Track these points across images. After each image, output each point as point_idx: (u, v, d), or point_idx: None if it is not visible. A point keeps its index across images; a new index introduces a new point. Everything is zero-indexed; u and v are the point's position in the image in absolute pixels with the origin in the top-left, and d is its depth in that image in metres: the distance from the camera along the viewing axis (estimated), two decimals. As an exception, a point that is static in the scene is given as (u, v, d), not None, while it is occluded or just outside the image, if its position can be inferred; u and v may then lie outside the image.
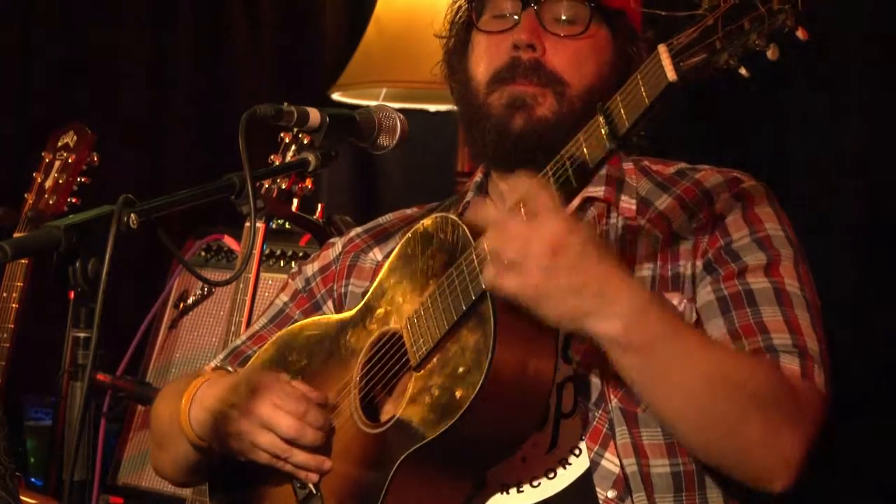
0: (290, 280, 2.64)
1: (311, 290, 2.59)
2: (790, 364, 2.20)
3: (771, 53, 1.86)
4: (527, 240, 1.99)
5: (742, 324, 2.23)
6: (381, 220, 2.62)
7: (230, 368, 2.43)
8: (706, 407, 2.10)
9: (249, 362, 2.52)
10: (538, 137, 2.34)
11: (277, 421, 2.26)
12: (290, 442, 2.27)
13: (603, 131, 2.01)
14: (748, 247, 2.28)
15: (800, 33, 1.85)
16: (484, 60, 2.41)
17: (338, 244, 2.62)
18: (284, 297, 2.62)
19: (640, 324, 2.03)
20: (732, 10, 1.88)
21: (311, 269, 2.61)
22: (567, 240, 1.98)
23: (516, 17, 2.38)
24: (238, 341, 2.62)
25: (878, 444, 3.75)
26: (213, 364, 2.61)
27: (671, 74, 1.93)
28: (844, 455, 3.64)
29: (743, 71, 1.89)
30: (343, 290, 2.55)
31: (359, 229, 2.62)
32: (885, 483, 3.77)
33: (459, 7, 2.50)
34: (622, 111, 1.99)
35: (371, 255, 2.56)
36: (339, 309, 2.55)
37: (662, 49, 1.94)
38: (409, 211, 2.63)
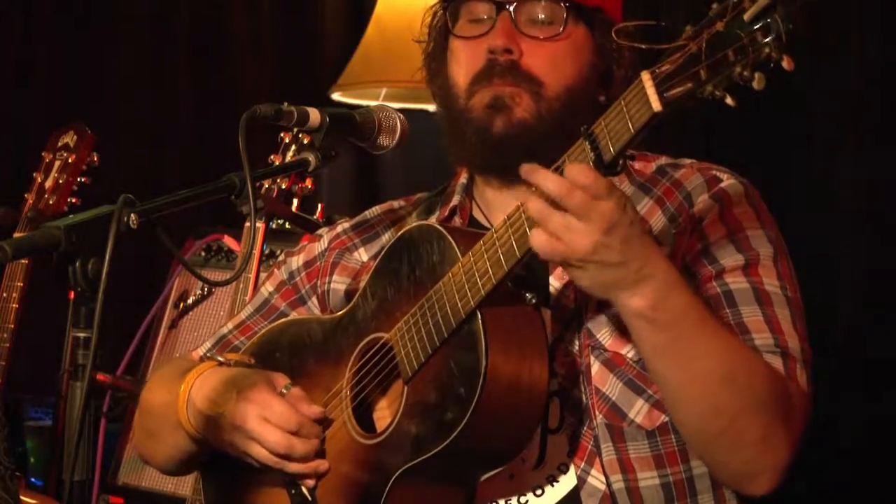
0: (275, 270, 2.63)
1: (296, 283, 2.58)
2: (773, 365, 2.20)
3: (756, 83, 1.82)
4: (585, 213, 1.97)
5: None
6: (367, 214, 2.61)
7: (220, 359, 2.42)
8: (712, 397, 2.10)
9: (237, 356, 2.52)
10: (518, 139, 2.32)
11: (265, 436, 2.27)
12: (282, 455, 2.28)
13: (589, 158, 1.99)
14: (725, 248, 2.27)
15: (785, 63, 1.81)
16: (462, 66, 2.39)
17: (324, 238, 2.60)
18: (270, 287, 2.61)
19: (667, 301, 2.04)
20: (715, 39, 1.84)
21: (296, 262, 2.60)
22: (620, 218, 1.98)
23: (492, 20, 2.36)
24: (224, 329, 2.62)
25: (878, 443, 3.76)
26: (199, 352, 2.61)
27: (656, 105, 1.90)
28: (843, 453, 3.65)
29: (729, 100, 1.85)
30: (326, 288, 2.54)
31: (346, 224, 2.61)
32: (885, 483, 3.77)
33: (436, 12, 2.48)
34: (608, 138, 1.97)
35: (356, 254, 2.55)
36: (323, 305, 2.55)
37: (646, 77, 1.91)
38: (395, 204, 2.61)
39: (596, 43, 2.38)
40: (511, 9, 2.35)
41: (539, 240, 2.01)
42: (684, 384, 2.11)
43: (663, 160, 2.42)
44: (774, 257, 2.29)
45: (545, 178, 2.00)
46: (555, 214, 1.99)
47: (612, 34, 2.05)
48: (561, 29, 2.35)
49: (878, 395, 3.75)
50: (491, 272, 2.09)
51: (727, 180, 2.35)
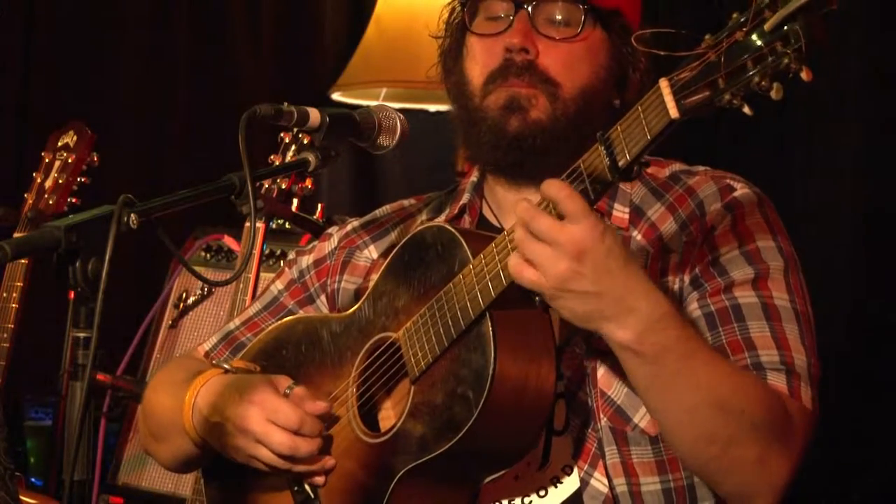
0: (286, 268, 2.64)
1: (305, 282, 2.59)
2: (777, 382, 2.19)
3: (775, 93, 1.82)
4: (554, 240, 1.98)
5: (729, 339, 2.23)
6: (377, 213, 2.61)
7: (226, 366, 2.43)
8: (704, 425, 2.10)
9: (242, 353, 2.53)
10: (533, 139, 2.33)
11: (270, 438, 2.26)
12: (286, 456, 2.28)
13: (604, 163, 1.99)
14: (735, 261, 2.27)
15: (804, 75, 1.81)
16: (479, 63, 2.39)
17: (334, 237, 2.61)
18: (280, 285, 2.62)
19: (653, 335, 2.04)
20: (735, 48, 1.84)
21: (306, 260, 2.61)
22: (593, 245, 1.98)
23: (510, 19, 2.36)
24: (232, 325, 2.62)
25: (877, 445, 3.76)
26: (205, 347, 2.61)
27: (673, 112, 1.90)
28: (843, 455, 3.65)
29: (746, 109, 1.85)
30: (336, 287, 2.55)
31: (355, 223, 2.61)
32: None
33: (454, 9, 2.48)
34: (623, 144, 1.96)
35: (366, 252, 2.56)
36: (331, 304, 2.55)
37: (664, 84, 1.91)
38: (406, 203, 2.62)
39: (612, 46, 2.38)
40: (529, 8, 2.35)
41: (513, 266, 2.02)
42: (674, 414, 2.11)
43: (677, 166, 2.42)
44: (785, 270, 2.28)
45: (518, 204, 2.02)
46: (531, 241, 2.00)
47: (632, 40, 2.04)
48: (578, 30, 2.35)
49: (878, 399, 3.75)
50: (502, 274, 2.09)
51: (740, 190, 2.34)
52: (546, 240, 1.99)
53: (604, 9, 2.37)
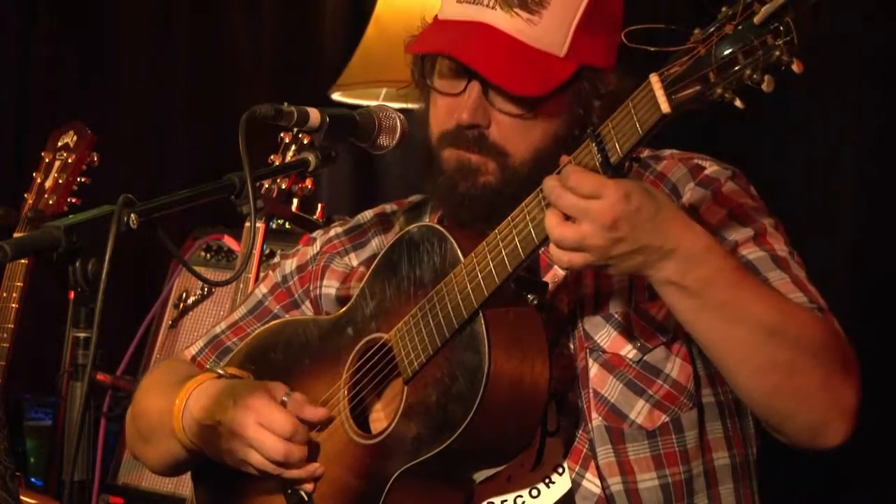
0: (270, 272, 2.63)
1: (290, 287, 2.58)
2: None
3: (766, 86, 1.82)
4: (583, 217, 1.98)
5: None
6: (360, 218, 2.60)
7: (220, 371, 2.43)
8: (761, 355, 2.08)
9: (229, 357, 2.53)
10: (482, 200, 2.30)
11: (263, 443, 2.26)
12: (279, 462, 2.28)
13: (596, 159, 1.98)
14: (730, 225, 2.27)
15: (795, 67, 1.81)
16: (437, 117, 2.35)
17: (317, 242, 2.60)
18: (264, 289, 2.61)
19: (695, 269, 2.03)
20: (725, 42, 1.84)
21: (289, 265, 2.60)
22: (621, 211, 1.97)
23: (465, 83, 2.29)
24: (217, 329, 2.61)
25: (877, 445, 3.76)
26: (191, 351, 2.61)
27: (665, 107, 1.90)
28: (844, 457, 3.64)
29: (738, 103, 1.85)
30: (318, 292, 2.54)
31: (339, 229, 2.60)
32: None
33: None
34: (615, 140, 1.96)
35: (346, 259, 2.55)
36: (316, 309, 2.54)
37: (654, 79, 1.91)
38: (388, 208, 2.60)
39: (571, 105, 2.31)
40: (480, 79, 2.28)
41: (561, 257, 2.01)
42: (727, 347, 2.09)
43: (645, 153, 2.40)
44: (776, 226, 2.29)
45: (544, 182, 2.01)
46: (567, 227, 1.99)
47: (623, 37, 2.03)
48: (531, 107, 2.28)
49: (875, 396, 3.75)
50: (494, 273, 2.10)
51: (710, 167, 2.34)
52: (575, 216, 1.99)
53: (560, 84, 2.29)
